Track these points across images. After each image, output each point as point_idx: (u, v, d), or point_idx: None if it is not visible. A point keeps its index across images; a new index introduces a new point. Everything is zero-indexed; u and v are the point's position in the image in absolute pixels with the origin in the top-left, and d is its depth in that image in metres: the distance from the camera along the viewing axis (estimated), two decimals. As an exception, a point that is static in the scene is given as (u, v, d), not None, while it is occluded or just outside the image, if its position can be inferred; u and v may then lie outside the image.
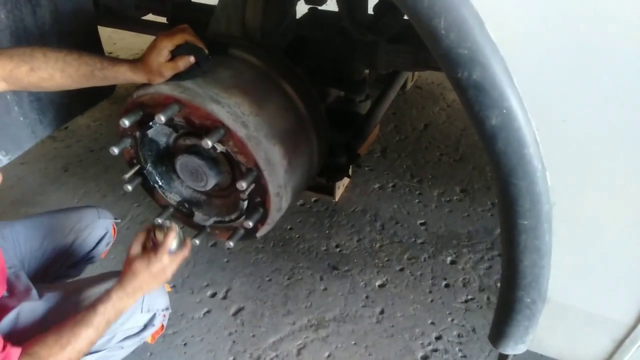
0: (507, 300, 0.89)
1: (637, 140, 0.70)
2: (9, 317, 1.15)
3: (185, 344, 1.70)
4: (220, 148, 1.25)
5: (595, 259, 0.82)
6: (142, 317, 1.26)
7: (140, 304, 1.23)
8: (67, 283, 1.39)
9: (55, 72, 1.12)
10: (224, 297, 1.86)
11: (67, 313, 1.11)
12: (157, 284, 1.16)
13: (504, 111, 0.70)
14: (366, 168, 2.42)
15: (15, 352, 0.97)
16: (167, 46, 1.16)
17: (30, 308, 1.17)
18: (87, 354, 1.14)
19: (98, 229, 1.47)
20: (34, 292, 1.21)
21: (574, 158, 0.74)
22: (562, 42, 0.67)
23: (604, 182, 0.75)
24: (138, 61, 1.18)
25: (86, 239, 1.44)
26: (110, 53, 3.41)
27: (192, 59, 1.18)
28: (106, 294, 1.11)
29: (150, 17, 2.41)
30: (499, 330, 0.95)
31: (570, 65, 0.69)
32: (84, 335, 1.05)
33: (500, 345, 0.97)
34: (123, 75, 1.18)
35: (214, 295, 1.86)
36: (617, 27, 0.64)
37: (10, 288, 1.21)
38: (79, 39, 1.60)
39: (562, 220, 0.78)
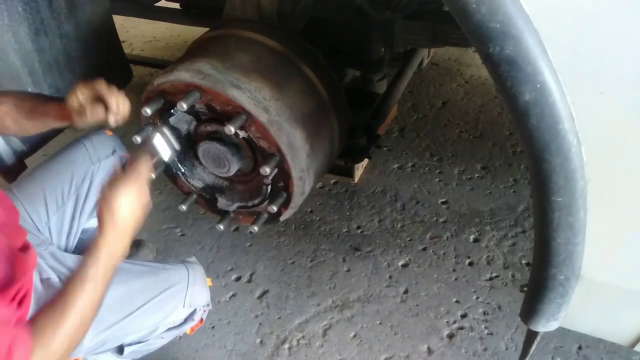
0: (540, 277, 0.88)
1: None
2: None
3: (212, 327, 1.74)
4: (242, 134, 1.25)
5: (630, 235, 0.80)
6: (183, 311, 1.28)
7: (182, 299, 1.25)
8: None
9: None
10: (249, 281, 1.88)
11: None
12: (140, 213, 1.00)
13: (538, 86, 0.69)
14: (385, 148, 2.40)
15: (23, 335, 0.88)
16: (81, 90, 1.09)
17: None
18: (131, 344, 1.17)
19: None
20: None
21: (611, 132, 0.72)
22: (597, 11, 0.65)
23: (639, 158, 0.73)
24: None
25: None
26: (124, 41, 3.41)
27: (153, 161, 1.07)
28: (93, 246, 0.96)
29: (163, 3, 2.40)
30: (531, 308, 0.94)
31: (607, 35, 0.66)
32: (84, 292, 0.93)
33: (532, 322, 0.97)
34: (53, 113, 1.14)
35: (238, 279, 1.89)
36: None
37: (54, 270, 1.19)
38: (95, 28, 1.60)
39: (597, 196, 0.76)
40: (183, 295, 1.26)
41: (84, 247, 1.22)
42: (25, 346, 0.87)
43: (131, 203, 0.97)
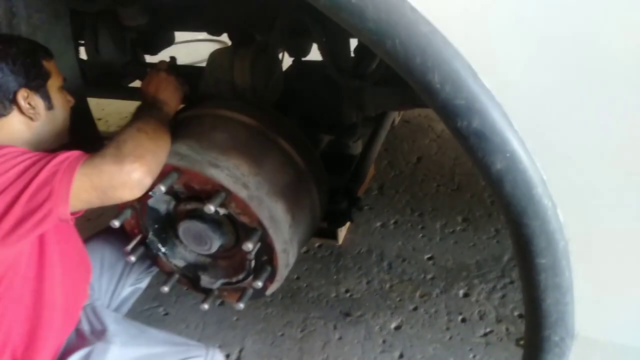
0: (535, 340, 0.87)
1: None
2: (80, 354, 1.21)
3: (202, 414, 1.63)
4: (222, 211, 1.24)
5: (618, 291, 0.81)
6: None
7: None
8: (143, 329, 1.39)
9: None
10: (238, 358, 1.80)
11: None
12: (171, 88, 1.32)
13: (508, 155, 0.71)
14: (366, 207, 2.42)
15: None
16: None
17: (102, 349, 1.22)
18: None
19: None
20: (109, 333, 1.27)
21: (583, 192, 0.74)
22: (555, 82, 0.69)
23: (616, 212, 0.75)
24: None
25: None
26: (100, 119, 3.44)
27: None
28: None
29: (137, 83, 2.45)
30: (530, 372, 0.92)
31: (567, 102, 0.70)
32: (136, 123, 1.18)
33: (533, 386, 0.94)
34: None
35: (227, 357, 1.81)
36: (613, 62, 0.66)
37: (89, 322, 1.31)
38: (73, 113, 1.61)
39: (579, 255, 0.77)
40: None
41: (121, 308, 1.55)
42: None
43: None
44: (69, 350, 1.24)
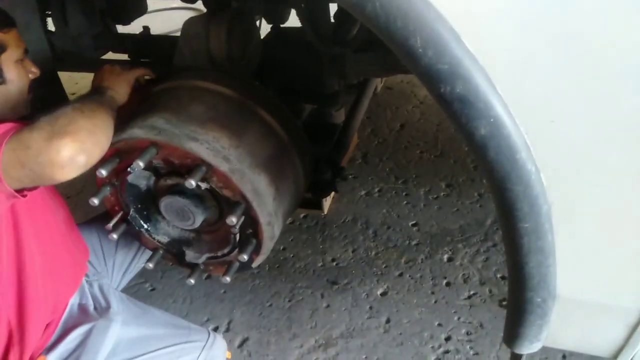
0: (518, 302, 0.88)
1: (623, 134, 0.70)
2: (81, 330, 1.23)
3: (194, 385, 1.65)
4: (204, 185, 1.22)
5: (596, 253, 0.82)
6: None
7: (196, 357, 1.29)
8: (147, 310, 1.41)
9: None
10: (227, 330, 1.82)
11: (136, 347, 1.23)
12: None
13: (492, 120, 0.70)
14: (350, 176, 2.41)
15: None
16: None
17: (104, 326, 1.24)
18: None
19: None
20: (111, 311, 1.29)
21: (566, 157, 0.74)
22: (538, 47, 0.67)
23: (598, 176, 0.75)
24: None
25: None
26: (73, 94, 3.33)
27: None
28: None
29: (110, 55, 2.36)
30: (513, 332, 0.94)
31: (549, 67, 0.68)
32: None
33: (516, 346, 0.97)
34: None
35: (216, 329, 1.82)
36: (593, 25, 0.64)
37: (94, 299, 1.33)
38: (40, 86, 1.55)
39: (561, 218, 0.78)
40: (197, 354, 1.30)
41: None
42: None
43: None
44: (72, 325, 1.25)
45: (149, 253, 1.54)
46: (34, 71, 1.23)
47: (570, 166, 0.75)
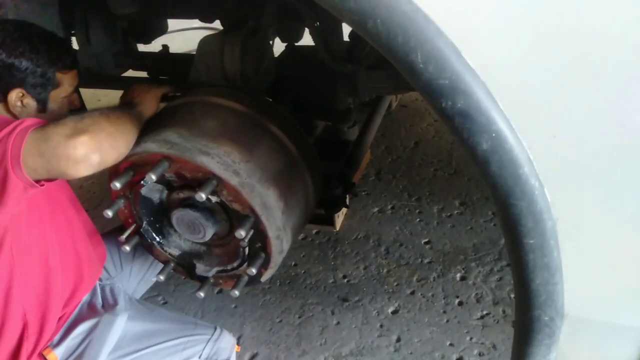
0: (525, 320, 0.87)
1: (628, 148, 0.69)
2: (87, 324, 1.28)
3: (202, 400, 1.65)
4: (214, 199, 1.24)
5: (606, 270, 0.80)
6: None
7: (201, 350, 1.33)
8: (153, 309, 1.47)
9: None
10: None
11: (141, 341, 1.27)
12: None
13: (494, 135, 0.70)
14: (363, 192, 2.41)
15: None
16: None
17: (109, 320, 1.29)
18: None
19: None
20: (118, 307, 1.35)
21: (570, 171, 0.73)
22: (540, 61, 0.68)
23: (604, 190, 0.74)
24: None
25: None
26: (95, 110, 3.42)
27: None
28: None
29: (130, 73, 2.43)
30: (521, 352, 0.92)
31: (552, 80, 0.69)
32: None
33: (524, 366, 0.94)
34: None
35: (225, 344, 1.82)
36: (599, 40, 0.64)
37: (103, 298, 1.39)
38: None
39: (567, 234, 0.77)
40: (202, 347, 1.33)
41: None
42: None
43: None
44: (79, 319, 1.31)
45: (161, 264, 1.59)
46: (76, 104, 1.31)
47: (575, 181, 0.74)
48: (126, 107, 1.29)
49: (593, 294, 0.84)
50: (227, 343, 1.39)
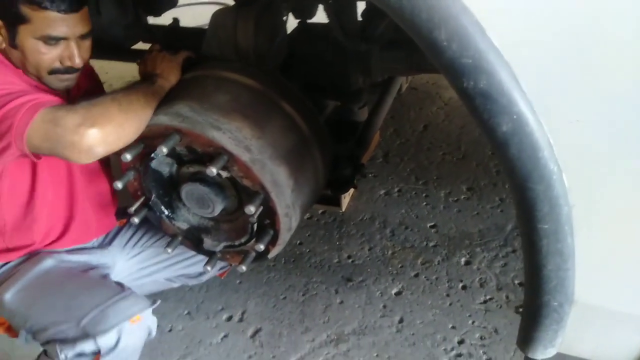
0: (534, 305, 0.87)
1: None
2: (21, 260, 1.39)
3: (205, 372, 1.68)
4: (225, 174, 1.24)
5: (619, 258, 0.80)
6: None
7: None
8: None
9: None
10: (240, 320, 1.84)
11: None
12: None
13: (515, 117, 0.69)
14: (370, 175, 2.40)
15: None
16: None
17: (33, 261, 1.38)
18: None
19: None
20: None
21: (590, 157, 0.72)
22: (566, 44, 0.66)
23: (621, 178, 0.73)
24: None
25: None
26: (104, 82, 3.40)
27: None
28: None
29: (140, 45, 2.41)
30: (528, 336, 0.93)
31: (575, 65, 0.67)
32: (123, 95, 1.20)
33: (530, 350, 0.95)
34: None
35: (229, 318, 1.84)
36: (623, 22, 0.63)
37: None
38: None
39: (583, 221, 0.76)
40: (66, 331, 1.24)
41: None
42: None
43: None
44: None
45: (173, 270, 1.63)
46: (74, 62, 1.24)
47: (594, 167, 0.73)
48: (144, 84, 1.27)
49: (604, 282, 0.84)
50: (118, 312, 1.24)
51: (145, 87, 1.26)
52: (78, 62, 1.24)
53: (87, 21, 1.25)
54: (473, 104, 0.70)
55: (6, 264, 1.39)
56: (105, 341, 1.19)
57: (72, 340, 1.20)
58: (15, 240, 1.38)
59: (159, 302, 1.35)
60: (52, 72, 1.23)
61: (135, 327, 1.24)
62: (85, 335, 1.19)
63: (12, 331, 1.39)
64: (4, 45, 1.21)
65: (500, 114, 0.69)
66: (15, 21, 1.16)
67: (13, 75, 1.22)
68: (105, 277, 1.47)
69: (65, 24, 1.19)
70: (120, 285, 1.40)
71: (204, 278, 1.68)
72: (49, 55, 1.21)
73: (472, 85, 0.68)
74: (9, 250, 1.38)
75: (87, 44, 1.28)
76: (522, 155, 0.71)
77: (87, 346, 1.19)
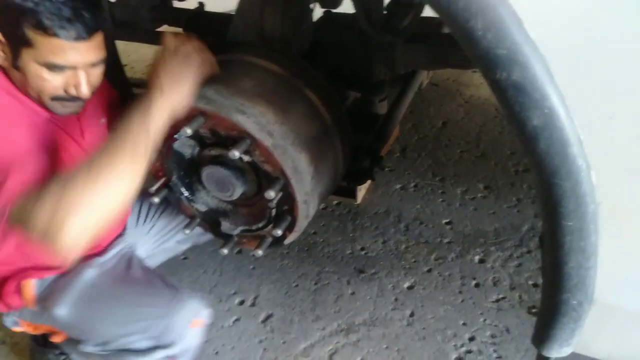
0: (552, 302, 0.87)
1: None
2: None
3: (216, 353, 1.71)
4: (246, 158, 1.25)
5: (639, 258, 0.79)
6: None
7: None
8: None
9: None
10: (252, 305, 1.86)
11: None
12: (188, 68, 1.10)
13: (546, 111, 0.68)
14: (387, 169, 2.40)
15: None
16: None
17: (79, 270, 1.34)
18: None
19: None
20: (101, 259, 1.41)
21: (620, 155, 0.72)
22: (604, 39, 0.65)
23: (652, 178, 0.73)
24: None
25: None
26: (126, 65, 3.44)
27: None
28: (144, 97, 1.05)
29: (165, 28, 2.43)
30: (544, 333, 0.93)
31: (614, 61, 0.66)
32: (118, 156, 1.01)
33: (545, 348, 0.95)
34: None
35: (242, 302, 1.87)
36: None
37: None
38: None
39: (609, 219, 0.75)
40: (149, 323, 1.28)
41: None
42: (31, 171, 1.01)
43: (185, 55, 1.12)
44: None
45: (183, 234, 1.62)
46: (81, 92, 1.13)
47: (624, 166, 0.72)
48: (140, 115, 1.05)
49: (625, 283, 0.84)
50: (181, 320, 1.29)
51: (138, 120, 1.05)
52: (85, 92, 1.13)
53: (100, 48, 1.12)
54: (505, 96, 0.69)
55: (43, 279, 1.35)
56: (176, 350, 1.28)
57: (145, 351, 1.28)
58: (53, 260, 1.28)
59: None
60: (55, 98, 1.13)
61: (199, 329, 1.34)
62: (156, 347, 1.27)
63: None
64: (6, 63, 1.10)
65: (531, 108, 0.69)
66: (18, 43, 1.05)
67: (10, 106, 1.11)
68: (147, 270, 1.49)
69: (74, 53, 1.06)
70: (163, 279, 1.42)
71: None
72: (53, 84, 1.09)
73: (505, 77, 0.68)
74: (48, 268, 1.34)
75: (97, 71, 1.15)
76: (551, 151, 0.71)
77: (160, 354, 1.28)
